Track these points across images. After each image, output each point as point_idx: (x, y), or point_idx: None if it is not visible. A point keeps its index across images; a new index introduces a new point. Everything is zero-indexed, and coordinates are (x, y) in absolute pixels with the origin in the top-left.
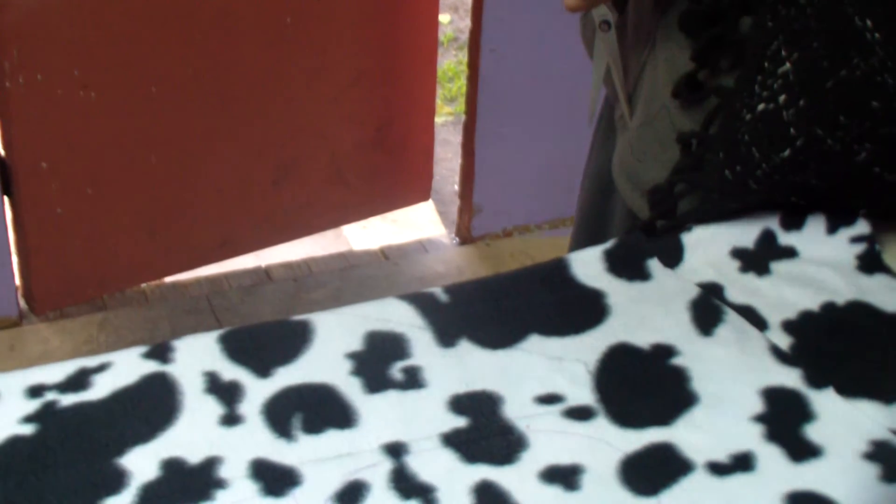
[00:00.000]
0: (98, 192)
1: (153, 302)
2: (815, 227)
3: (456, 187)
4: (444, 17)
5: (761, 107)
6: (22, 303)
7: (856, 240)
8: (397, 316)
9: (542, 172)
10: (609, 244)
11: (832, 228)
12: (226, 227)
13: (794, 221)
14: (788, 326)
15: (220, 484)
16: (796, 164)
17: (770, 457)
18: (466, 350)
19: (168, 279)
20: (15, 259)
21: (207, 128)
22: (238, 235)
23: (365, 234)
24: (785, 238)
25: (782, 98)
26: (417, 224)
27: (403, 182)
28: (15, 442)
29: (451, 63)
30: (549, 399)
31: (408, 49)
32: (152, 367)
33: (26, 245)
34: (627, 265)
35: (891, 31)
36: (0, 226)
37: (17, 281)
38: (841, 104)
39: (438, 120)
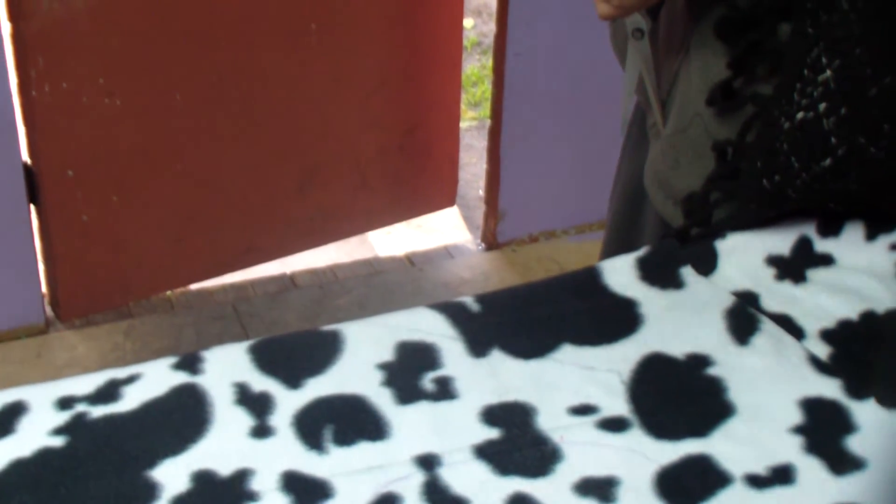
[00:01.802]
0: (123, 200)
1: (179, 309)
2: (853, 233)
3: (481, 192)
4: (467, 22)
5: (800, 115)
6: (48, 310)
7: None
8: (427, 325)
9: (567, 177)
10: (642, 252)
11: (871, 235)
12: (251, 234)
13: (831, 228)
14: (826, 335)
15: (251, 496)
16: (837, 173)
17: (810, 469)
18: (498, 360)
19: (193, 286)
20: (41, 267)
21: (232, 134)
22: (263, 242)
23: (390, 240)
24: (822, 245)
25: (822, 106)
26: (442, 230)
27: (428, 187)
28: (45, 454)
29: (475, 68)
30: (583, 410)
31: (432, 54)
32: (182, 378)
33: (52, 253)
34: (661, 273)
35: None
36: (26, 234)
37: (44, 289)
38: (885, 112)
39: (462, 125)
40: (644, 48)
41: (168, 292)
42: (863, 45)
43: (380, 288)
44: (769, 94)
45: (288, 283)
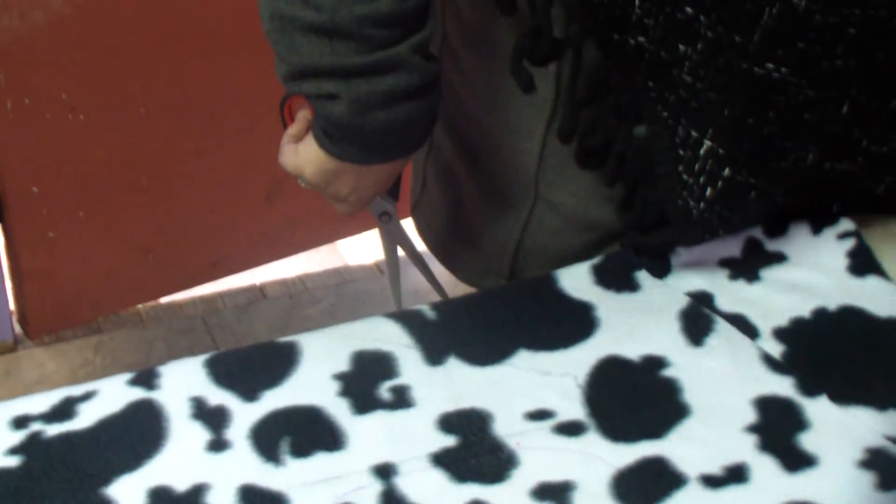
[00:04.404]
0: (90, 215)
1: (148, 323)
2: (799, 230)
3: None
4: None
5: (709, 192)
6: (17, 327)
7: (843, 236)
8: (384, 335)
9: None
10: (596, 259)
11: (817, 229)
12: (219, 246)
13: (777, 228)
14: (780, 334)
15: None
16: (764, 200)
17: (764, 467)
18: (455, 367)
19: (163, 299)
20: (9, 284)
21: (198, 147)
22: (232, 253)
23: (360, 248)
24: (771, 245)
25: (727, 172)
26: (412, 236)
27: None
28: (0, 475)
29: None
30: (540, 415)
31: None
32: (138, 393)
33: (19, 269)
34: (616, 277)
35: (797, 63)
36: None
37: (12, 306)
38: (781, 138)
39: None
40: (396, 230)
41: (137, 306)
42: (728, 105)
43: (350, 297)
44: (661, 193)
45: (258, 294)
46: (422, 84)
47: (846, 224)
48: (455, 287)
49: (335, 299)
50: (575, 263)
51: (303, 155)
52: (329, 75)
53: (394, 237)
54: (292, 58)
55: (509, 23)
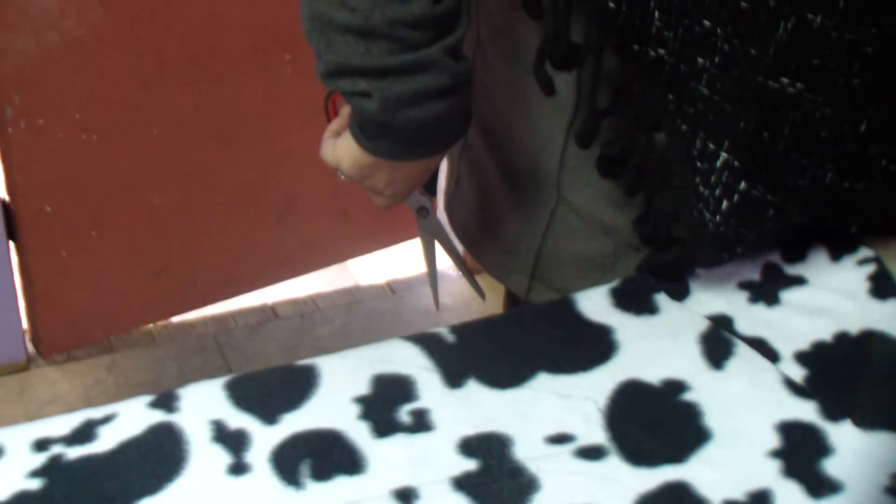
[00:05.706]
0: (102, 235)
1: (160, 342)
2: (818, 256)
3: None
4: None
5: (725, 205)
6: (30, 347)
7: (863, 262)
8: (403, 357)
9: None
10: (615, 283)
11: (836, 256)
12: (231, 265)
13: (795, 254)
14: (801, 358)
15: None
16: (781, 218)
17: (788, 493)
18: (474, 390)
19: (175, 319)
20: (22, 303)
21: (209, 167)
22: (243, 273)
23: (370, 268)
24: (791, 269)
25: (743, 185)
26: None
27: (408, 213)
28: (21, 497)
29: None
30: (560, 439)
31: None
32: (158, 416)
33: (32, 289)
34: (635, 300)
35: (812, 79)
36: (6, 270)
37: (25, 325)
38: (797, 154)
39: None
40: (433, 224)
41: (149, 326)
42: (743, 118)
43: (361, 316)
44: (677, 204)
45: (269, 313)
46: (451, 84)
47: (865, 251)
48: (467, 306)
49: (347, 319)
50: (592, 276)
51: (341, 149)
52: (363, 74)
53: (431, 232)
54: (329, 56)
55: (535, 25)
